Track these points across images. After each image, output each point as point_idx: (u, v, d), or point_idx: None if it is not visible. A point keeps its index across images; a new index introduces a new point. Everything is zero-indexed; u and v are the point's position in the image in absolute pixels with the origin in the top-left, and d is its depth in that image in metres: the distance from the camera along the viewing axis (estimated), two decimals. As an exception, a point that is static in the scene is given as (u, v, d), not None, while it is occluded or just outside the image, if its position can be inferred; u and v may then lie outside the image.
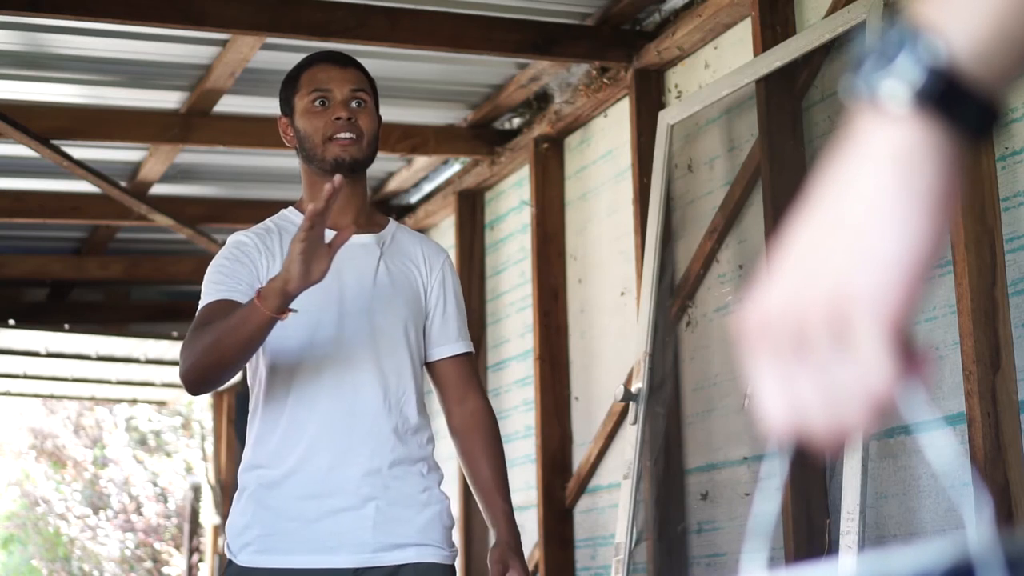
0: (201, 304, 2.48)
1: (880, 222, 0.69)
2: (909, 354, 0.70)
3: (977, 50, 0.68)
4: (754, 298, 0.74)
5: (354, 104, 2.57)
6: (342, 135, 2.53)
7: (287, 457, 2.47)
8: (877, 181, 0.70)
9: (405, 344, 2.55)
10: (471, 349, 2.68)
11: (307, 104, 2.57)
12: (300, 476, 2.46)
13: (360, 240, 2.57)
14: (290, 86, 2.63)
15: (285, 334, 2.47)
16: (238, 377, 2.71)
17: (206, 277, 2.53)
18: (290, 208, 2.65)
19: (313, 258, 2.19)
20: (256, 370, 2.54)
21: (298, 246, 2.17)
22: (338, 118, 2.53)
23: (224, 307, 2.41)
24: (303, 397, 2.47)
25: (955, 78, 0.69)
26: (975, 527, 0.66)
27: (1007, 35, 0.68)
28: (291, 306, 2.26)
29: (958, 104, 0.69)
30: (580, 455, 4.64)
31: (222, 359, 2.33)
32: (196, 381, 2.40)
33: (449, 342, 2.64)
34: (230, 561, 2.48)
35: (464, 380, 2.64)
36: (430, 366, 2.65)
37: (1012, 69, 0.69)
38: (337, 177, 2.19)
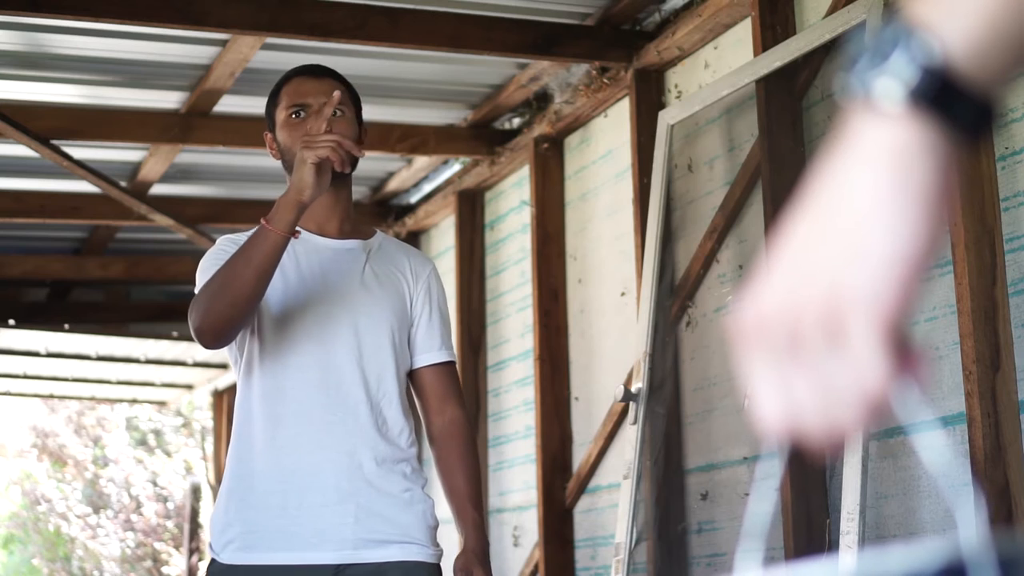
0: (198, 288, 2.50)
1: (874, 221, 0.69)
2: (904, 353, 0.70)
3: (971, 48, 0.68)
4: (750, 297, 0.74)
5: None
6: None
7: (268, 455, 2.47)
8: (871, 180, 0.70)
9: (389, 345, 2.56)
10: (453, 358, 2.69)
11: (285, 117, 2.61)
12: (281, 474, 2.46)
13: (346, 245, 2.61)
14: (271, 102, 2.67)
15: (268, 331, 2.49)
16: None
17: (199, 268, 2.55)
18: None
19: (323, 169, 2.40)
20: (240, 367, 2.55)
21: (311, 155, 2.37)
22: None
23: None
24: (284, 395, 2.48)
25: (949, 76, 0.69)
26: (969, 527, 0.66)
27: (1001, 33, 0.68)
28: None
29: (952, 102, 0.69)
30: (580, 455, 4.64)
31: (237, 293, 2.35)
32: (213, 327, 2.38)
33: (432, 350, 2.65)
34: (212, 559, 2.49)
35: (444, 389, 2.65)
36: (412, 373, 2.66)
37: (1006, 67, 0.69)
38: (336, 93, 2.47)
